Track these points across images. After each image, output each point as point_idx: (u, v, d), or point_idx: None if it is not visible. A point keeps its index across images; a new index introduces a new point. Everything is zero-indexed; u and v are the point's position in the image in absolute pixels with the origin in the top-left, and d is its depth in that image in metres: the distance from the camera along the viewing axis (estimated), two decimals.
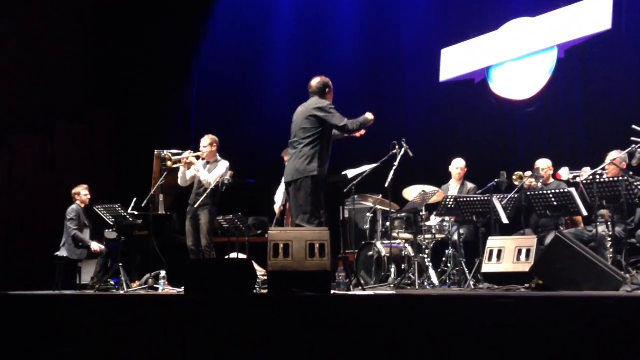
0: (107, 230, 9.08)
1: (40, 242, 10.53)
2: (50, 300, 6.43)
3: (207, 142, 8.09)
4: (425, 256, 8.02)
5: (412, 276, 7.68)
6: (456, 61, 10.41)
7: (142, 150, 10.89)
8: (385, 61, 11.05)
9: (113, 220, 8.21)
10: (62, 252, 9.09)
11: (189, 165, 8.01)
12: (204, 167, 7.99)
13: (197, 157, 8.03)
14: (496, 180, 7.94)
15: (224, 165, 8.04)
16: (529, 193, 7.22)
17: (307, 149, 6.41)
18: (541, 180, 7.86)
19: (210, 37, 12.58)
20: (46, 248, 9.56)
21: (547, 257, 6.11)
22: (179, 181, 8.15)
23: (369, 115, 6.74)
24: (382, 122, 10.81)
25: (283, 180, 8.48)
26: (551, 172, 7.95)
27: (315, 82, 6.72)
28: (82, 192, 9.39)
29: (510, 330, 4.26)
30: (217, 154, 8.13)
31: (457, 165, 8.67)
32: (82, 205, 9.35)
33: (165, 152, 8.34)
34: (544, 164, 7.94)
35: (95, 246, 9.09)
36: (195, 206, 7.77)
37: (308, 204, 6.32)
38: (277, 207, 8.66)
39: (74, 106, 12.39)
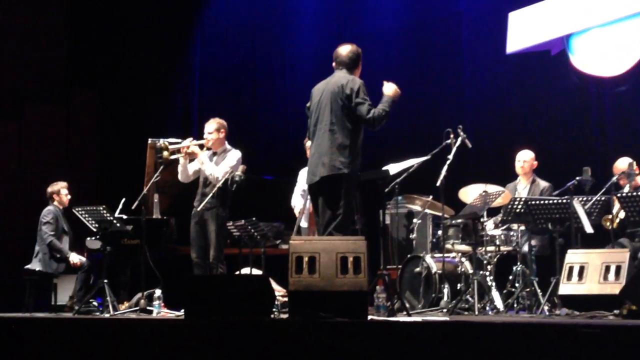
0: (89, 239, 9.14)
1: (6, 251, 10.64)
2: (18, 324, 6.48)
3: (212, 127, 8.10)
4: (487, 273, 7.98)
5: (470, 299, 7.64)
6: (527, 28, 10.34)
7: (132, 139, 10.95)
8: (437, 29, 11.01)
9: (96, 225, 8.27)
10: (34, 265, 9.17)
11: (190, 156, 8.03)
12: (209, 159, 8.01)
13: (201, 147, 8.04)
14: (577, 178, 7.86)
15: (234, 155, 8.04)
16: (620, 194, 7.16)
17: (337, 139, 6.41)
18: (633, 181, 7.80)
19: None
20: (14, 259, 9.68)
21: None
22: (179, 176, 8.17)
23: (388, 88, 6.65)
24: (433, 105, 10.92)
25: (299, 176, 8.54)
26: None
27: (345, 50, 6.73)
28: (62, 191, 9.47)
29: None
30: (226, 142, 8.15)
31: (520, 158, 8.61)
32: (61, 207, 9.43)
33: (162, 140, 8.37)
34: None
35: (75, 258, 9.16)
36: (200, 209, 7.79)
37: (339, 208, 6.32)
38: (297, 211, 8.67)
39: (47, 84, 12.47)
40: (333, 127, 6.47)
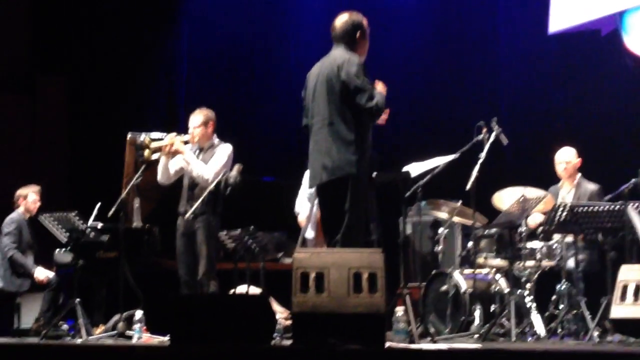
0: (57, 251, 9.17)
1: None
2: None
3: (199, 119, 8.06)
4: (526, 293, 7.98)
5: (506, 322, 7.64)
6: (574, 3, 10.34)
7: (108, 133, 10.98)
8: (468, 4, 11.01)
9: (67, 235, 8.29)
10: None
11: (173, 154, 7.98)
12: (196, 156, 7.99)
13: (186, 142, 8.01)
14: (633, 180, 7.87)
15: (224, 151, 7.99)
16: None
17: (339, 134, 6.35)
18: None
19: None
20: None
21: None
22: (159, 177, 8.09)
23: (380, 88, 6.51)
24: (462, 95, 10.92)
25: (304, 177, 8.56)
26: None
27: (340, 21, 6.59)
28: (31, 196, 9.49)
29: None
30: (214, 137, 8.13)
31: (560, 159, 8.60)
32: (27, 215, 9.46)
33: (143, 135, 8.38)
34: None
35: (41, 274, 9.19)
36: (187, 217, 7.79)
37: (345, 214, 6.32)
38: (302, 219, 8.68)
39: (7, 70, 12.47)
40: (332, 120, 6.37)
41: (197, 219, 7.77)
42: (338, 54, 6.52)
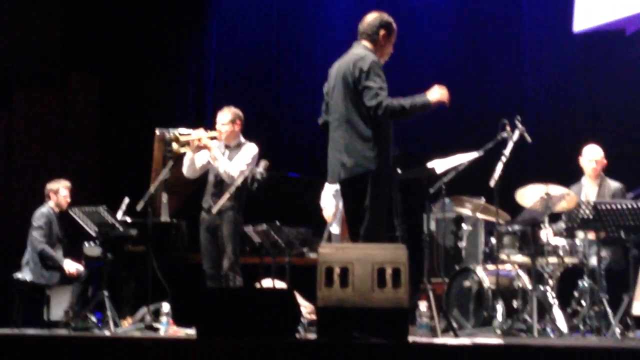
0: (86, 244, 9.23)
1: None
2: (5, 341, 6.55)
3: (227, 117, 8.11)
4: (549, 289, 7.96)
5: (528, 318, 7.63)
6: (598, 2, 10.29)
7: (137, 129, 11.02)
8: (493, 2, 10.98)
9: (96, 229, 8.34)
10: (24, 274, 9.28)
11: (200, 149, 8.00)
12: (222, 153, 8.01)
13: (213, 139, 8.03)
14: None
15: (250, 150, 8.04)
16: None
17: (356, 130, 6.34)
18: None
19: None
20: (0, 267, 9.76)
21: None
22: (185, 171, 8.13)
23: (433, 94, 6.46)
24: (487, 92, 10.89)
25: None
26: None
27: (369, 18, 6.62)
28: (62, 191, 9.53)
29: None
30: (241, 135, 8.17)
31: (592, 157, 8.57)
32: (57, 210, 9.51)
33: (171, 131, 8.40)
34: None
35: (71, 266, 9.24)
36: (213, 212, 7.82)
37: (369, 211, 6.31)
38: (327, 214, 8.68)
39: (40, 66, 12.53)
40: (350, 117, 6.37)
41: (222, 214, 7.81)
42: (357, 50, 6.54)
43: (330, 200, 8.66)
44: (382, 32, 6.57)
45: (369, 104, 6.29)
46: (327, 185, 8.72)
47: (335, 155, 6.46)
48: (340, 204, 7.85)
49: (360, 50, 6.51)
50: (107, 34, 12.62)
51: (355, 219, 6.44)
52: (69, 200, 9.51)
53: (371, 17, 6.62)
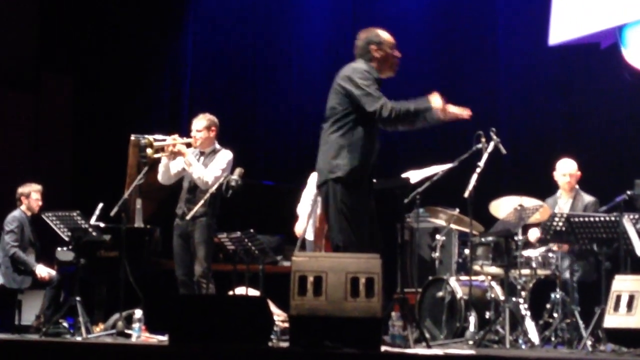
0: (59, 249, 9.19)
1: None
2: None
3: (202, 124, 8.12)
4: (521, 301, 7.99)
5: (500, 329, 7.64)
6: (574, 16, 10.35)
7: (111, 134, 10.98)
8: (467, 14, 11.02)
9: (69, 234, 8.30)
10: None
11: (175, 155, 8.01)
12: (197, 159, 8.01)
13: (188, 145, 8.05)
14: (628, 192, 7.88)
15: (224, 157, 8.05)
16: None
17: (333, 138, 6.39)
18: None
19: None
20: None
21: None
22: (160, 177, 8.13)
23: (434, 101, 6.52)
24: (461, 103, 10.85)
25: (309, 181, 8.58)
26: None
27: (358, 40, 6.69)
28: (33, 195, 9.49)
29: None
30: (216, 142, 8.17)
31: (565, 171, 8.59)
32: (29, 214, 9.47)
33: (146, 137, 8.38)
34: None
35: (43, 271, 9.19)
36: (187, 218, 7.81)
37: (337, 220, 6.33)
38: (301, 223, 8.68)
39: (13, 67, 12.43)
40: (331, 125, 6.43)
41: (195, 220, 7.82)
42: (353, 62, 6.60)
43: (304, 206, 8.68)
44: (372, 47, 6.61)
45: (371, 108, 6.32)
46: (306, 191, 8.76)
47: (318, 158, 6.51)
48: (318, 210, 7.88)
49: (355, 63, 6.58)
50: (83, 35, 12.58)
51: (329, 223, 6.47)
52: (40, 203, 9.47)
53: (359, 39, 6.67)
